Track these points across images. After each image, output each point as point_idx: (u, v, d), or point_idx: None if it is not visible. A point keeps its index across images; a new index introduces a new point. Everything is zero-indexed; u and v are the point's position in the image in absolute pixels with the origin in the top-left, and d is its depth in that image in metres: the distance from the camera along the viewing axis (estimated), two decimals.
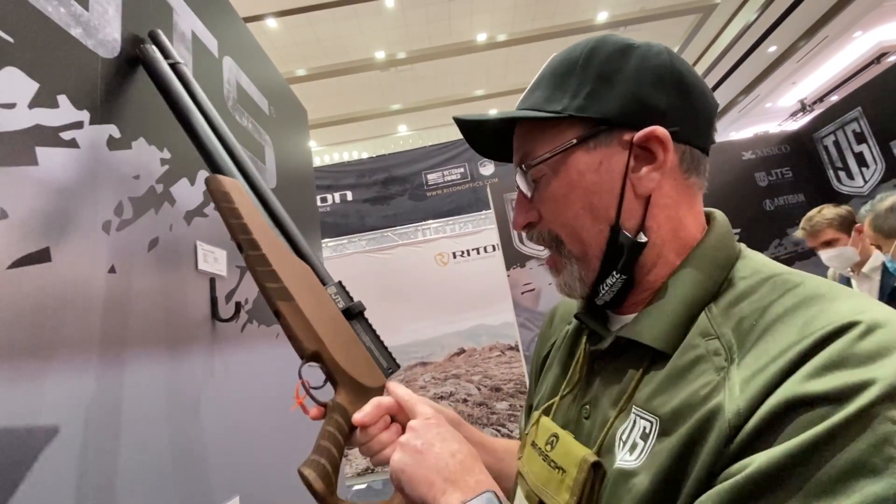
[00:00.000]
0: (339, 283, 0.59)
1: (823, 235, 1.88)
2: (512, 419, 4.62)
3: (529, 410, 0.58)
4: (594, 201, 0.43)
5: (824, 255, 1.90)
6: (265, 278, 0.51)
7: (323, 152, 9.79)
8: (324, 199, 5.47)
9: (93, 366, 0.57)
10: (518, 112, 0.45)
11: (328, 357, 0.52)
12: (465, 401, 4.57)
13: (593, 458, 0.39)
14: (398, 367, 0.59)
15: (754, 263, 0.41)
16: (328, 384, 0.55)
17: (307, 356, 0.52)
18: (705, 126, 0.44)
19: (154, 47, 0.63)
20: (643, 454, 0.36)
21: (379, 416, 0.51)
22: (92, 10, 0.67)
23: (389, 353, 0.58)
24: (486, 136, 0.52)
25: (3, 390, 0.46)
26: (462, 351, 4.72)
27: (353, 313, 0.57)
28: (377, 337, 0.58)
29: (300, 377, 0.52)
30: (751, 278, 0.39)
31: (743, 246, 0.45)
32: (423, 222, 5.26)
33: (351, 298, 0.58)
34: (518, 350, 4.24)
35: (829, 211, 1.93)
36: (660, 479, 0.34)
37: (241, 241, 0.52)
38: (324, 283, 0.57)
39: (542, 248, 0.48)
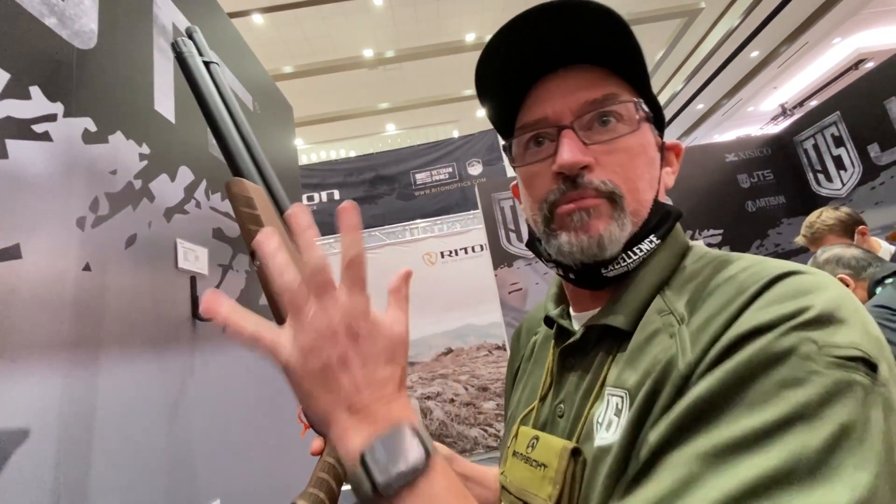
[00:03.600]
0: None
1: (825, 242, 1.79)
2: (499, 419, 4.63)
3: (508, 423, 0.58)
4: (652, 172, 0.45)
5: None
6: None
7: (310, 150, 9.70)
8: (311, 198, 5.43)
9: (66, 367, 0.56)
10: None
11: None
12: (452, 401, 4.57)
13: (572, 446, 0.40)
14: None
15: (700, 251, 0.45)
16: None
17: None
18: None
19: (190, 42, 0.61)
20: (618, 428, 0.37)
21: None
22: (67, 0, 0.65)
23: None
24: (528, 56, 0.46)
25: None
26: (449, 350, 4.72)
27: None
28: None
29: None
30: (698, 262, 0.43)
31: (688, 238, 0.49)
32: (411, 222, 5.24)
33: None
34: (505, 350, 4.26)
35: (827, 216, 1.84)
36: (626, 440, 0.35)
37: None
38: None
39: (585, 197, 0.43)
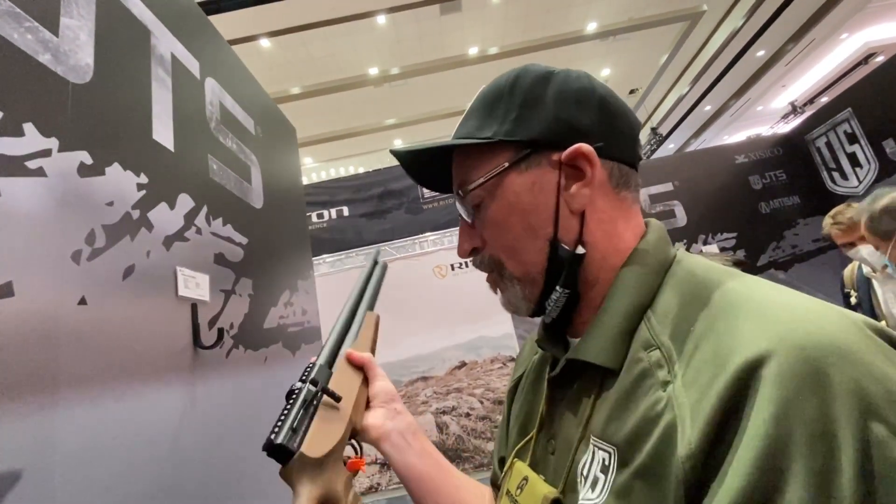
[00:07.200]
0: None
1: (860, 231, 1.71)
2: None
3: (502, 456, 0.55)
4: (532, 221, 0.43)
5: (864, 250, 1.78)
6: None
7: (319, 168, 9.82)
8: (320, 216, 5.46)
9: (61, 404, 0.55)
10: (450, 140, 0.45)
11: None
12: (467, 415, 4.49)
13: (553, 496, 0.38)
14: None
15: (687, 265, 0.41)
16: None
17: None
18: (629, 143, 0.45)
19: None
20: (605, 490, 0.34)
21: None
22: (62, 36, 0.66)
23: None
24: (425, 167, 0.51)
25: None
26: (463, 364, 4.65)
27: None
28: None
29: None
30: (683, 283, 0.39)
31: (681, 251, 0.44)
32: (421, 235, 5.24)
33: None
34: None
35: (858, 205, 1.80)
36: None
37: None
38: None
39: (485, 273, 0.48)
